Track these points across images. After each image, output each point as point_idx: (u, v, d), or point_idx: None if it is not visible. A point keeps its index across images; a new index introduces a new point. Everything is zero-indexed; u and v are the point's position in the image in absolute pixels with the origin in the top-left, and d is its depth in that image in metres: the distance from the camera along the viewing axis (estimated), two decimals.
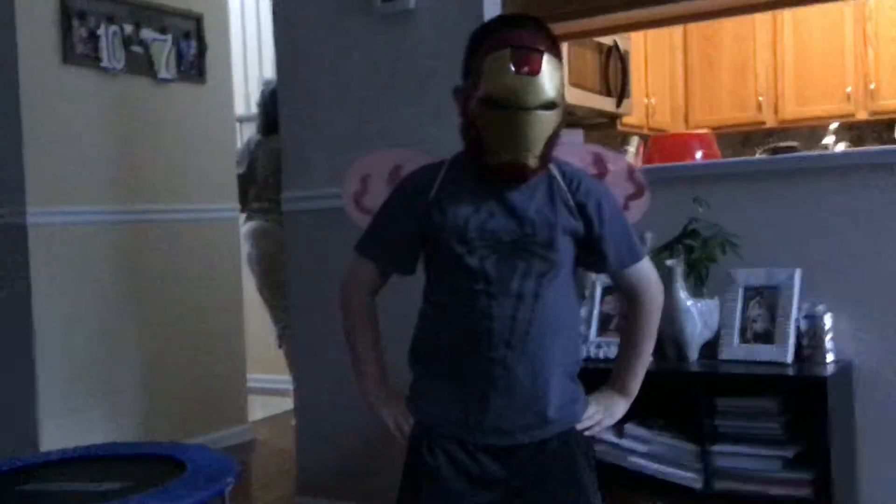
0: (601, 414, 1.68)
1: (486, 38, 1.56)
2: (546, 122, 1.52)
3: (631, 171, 1.86)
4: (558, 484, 1.61)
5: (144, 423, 3.84)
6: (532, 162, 1.54)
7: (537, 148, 1.53)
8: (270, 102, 4.06)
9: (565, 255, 1.59)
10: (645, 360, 1.74)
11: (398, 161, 1.79)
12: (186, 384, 4.02)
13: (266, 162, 4.30)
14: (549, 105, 1.52)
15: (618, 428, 2.42)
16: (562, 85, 1.57)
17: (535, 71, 1.50)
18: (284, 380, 4.44)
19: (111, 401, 3.74)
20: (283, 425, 4.39)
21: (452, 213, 1.57)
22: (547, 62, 1.51)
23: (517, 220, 1.56)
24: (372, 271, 1.69)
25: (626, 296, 1.74)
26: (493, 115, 1.52)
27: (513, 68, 1.49)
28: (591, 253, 1.64)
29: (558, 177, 1.62)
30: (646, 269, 1.70)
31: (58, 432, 3.47)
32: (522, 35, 1.53)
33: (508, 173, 1.55)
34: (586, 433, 1.66)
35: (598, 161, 1.85)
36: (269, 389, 5.00)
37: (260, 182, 4.35)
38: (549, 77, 1.51)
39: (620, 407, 1.72)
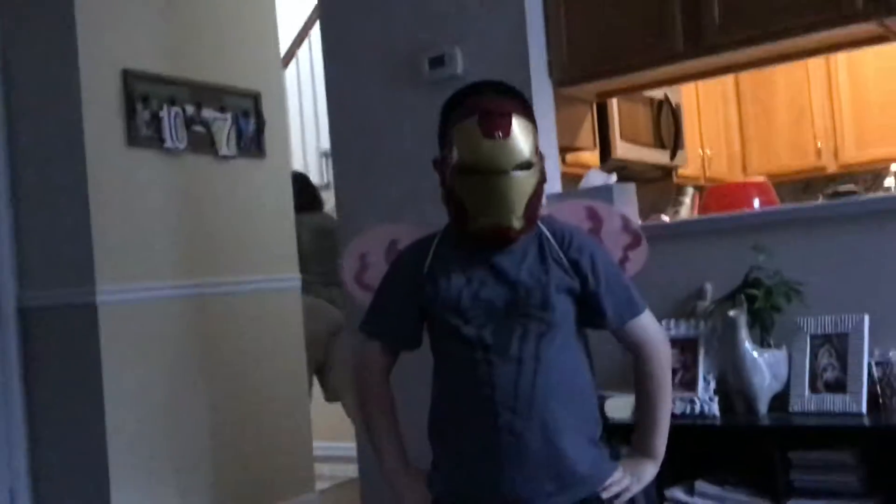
0: (628, 479, 1.64)
1: (455, 107, 1.58)
2: (523, 182, 1.53)
3: (626, 223, 1.85)
4: None
5: (213, 494, 3.86)
6: (516, 223, 1.54)
7: (519, 209, 1.53)
8: (296, 184, 4.49)
9: (563, 315, 1.57)
10: (665, 417, 1.71)
11: (392, 236, 1.84)
12: (253, 454, 4.04)
13: (307, 237, 4.45)
14: (524, 165, 1.53)
15: (688, 486, 2.36)
16: (536, 145, 1.58)
17: (506, 134, 1.51)
18: (350, 447, 4.44)
19: (180, 473, 3.78)
20: (351, 492, 4.37)
21: (445, 286, 1.58)
22: (517, 124, 1.53)
23: (509, 286, 1.56)
24: (379, 350, 1.70)
25: (631, 352, 1.70)
26: (470, 182, 1.54)
27: (482, 134, 1.51)
28: (589, 310, 1.62)
29: (548, 235, 1.61)
30: (648, 323, 1.68)
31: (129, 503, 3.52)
32: (490, 100, 1.55)
33: (492, 237, 1.56)
34: (615, 501, 1.61)
35: (592, 215, 1.83)
36: (335, 456, 4.99)
37: (303, 256, 4.47)
38: (521, 138, 1.53)
39: (649, 470, 1.68)
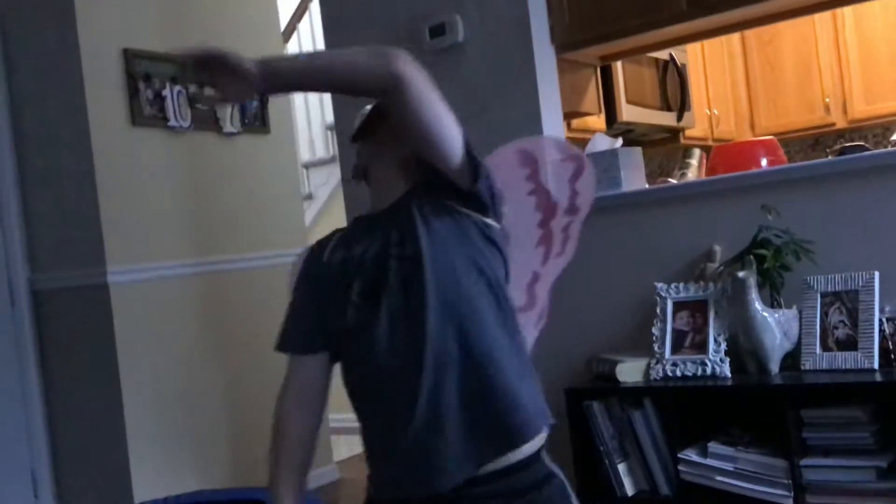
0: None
1: None
2: None
3: (562, 148, 1.76)
4: None
5: (232, 468, 3.90)
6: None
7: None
8: None
9: None
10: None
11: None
12: (270, 428, 4.06)
13: None
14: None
15: (701, 447, 2.37)
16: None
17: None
18: None
19: (199, 448, 3.82)
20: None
21: None
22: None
23: None
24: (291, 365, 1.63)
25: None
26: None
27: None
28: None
29: None
30: None
31: (149, 482, 3.55)
32: None
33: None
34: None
35: (524, 159, 1.79)
36: (352, 428, 5.03)
37: None
38: None
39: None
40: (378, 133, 1.58)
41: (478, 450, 1.43)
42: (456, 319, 1.44)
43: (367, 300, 1.48)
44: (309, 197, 5.66)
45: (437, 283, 1.44)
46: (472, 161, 1.50)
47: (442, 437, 1.42)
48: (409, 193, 1.55)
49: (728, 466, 2.31)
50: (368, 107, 1.61)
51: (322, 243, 1.62)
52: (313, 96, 5.87)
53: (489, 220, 1.54)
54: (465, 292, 1.46)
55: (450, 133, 1.46)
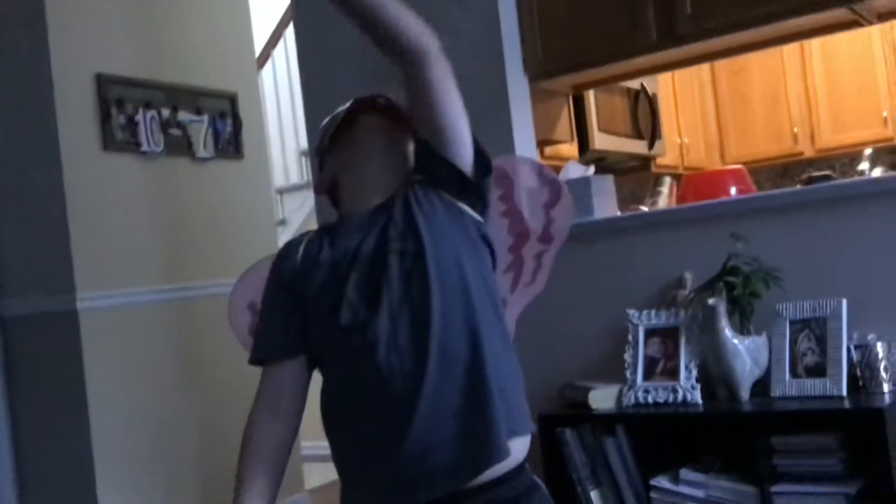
0: None
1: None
2: None
3: (540, 172, 1.77)
4: None
5: (203, 496, 3.85)
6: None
7: None
8: None
9: None
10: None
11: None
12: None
13: None
14: None
15: (673, 474, 2.38)
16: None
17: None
18: None
19: (170, 477, 3.77)
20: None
21: None
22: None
23: None
24: (265, 374, 1.59)
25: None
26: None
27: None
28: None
29: None
30: None
31: None
32: None
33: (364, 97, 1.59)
34: None
35: (499, 176, 1.77)
36: (324, 456, 4.99)
37: None
38: None
39: None
40: (357, 136, 1.55)
41: (472, 457, 1.37)
42: (462, 317, 1.41)
43: (365, 296, 1.42)
44: (282, 222, 5.65)
45: (441, 280, 1.40)
46: (481, 153, 1.51)
47: (440, 442, 1.36)
48: (402, 189, 1.51)
49: (699, 493, 2.32)
50: (335, 114, 1.60)
51: (290, 246, 1.57)
52: (287, 120, 5.88)
53: (483, 218, 1.53)
54: (469, 289, 1.43)
55: (462, 121, 1.48)
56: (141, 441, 3.68)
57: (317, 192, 1.68)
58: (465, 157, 1.49)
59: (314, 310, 1.48)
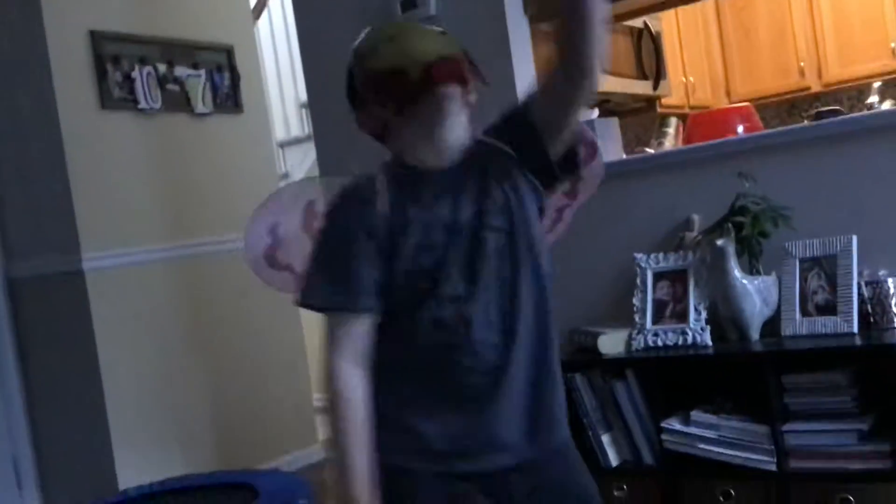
0: None
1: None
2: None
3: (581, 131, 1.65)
4: None
5: (218, 452, 3.89)
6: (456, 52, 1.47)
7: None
8: None
9: None
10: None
11: (309, 196, 1.59)
12: (254, 410, 4.06)
13: None
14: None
15: (683, 416, 2.38)
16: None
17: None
18: None
19: (183, 433, 3.80)
20: None
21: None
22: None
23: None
24: (351, 325, 1.43)
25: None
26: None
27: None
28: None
29: None
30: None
31: (134, 469, 3.54)
32: None
33: (445, 68, 1.41)
34: None
35: None
36: None
37: None
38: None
39: None
40: (429, 98, 1.42)
41: (541, 428, 1.45)
42: (536, 293, 1.44)
43: (464, 271, 1.41)
44: (285, 176, 5.60)
45: (524, 258, 1.44)
46: (576, 154, 1.50)
47: (514, 414, 1.43)
48: (476, 154, 1.47)
49: (711, 434, 2.32)
50: (376, 51, 1.47)
51: (363, 190, 1.45)
52: (285, 72, 5.80)
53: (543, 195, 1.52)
54: (540, 266, 1.45)
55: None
56: (153, 398, 3.71)
57: (361, 128, 1.56)
58: (560, 154, 1.48)
59: (406, 269, 1.41)
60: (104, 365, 3.54)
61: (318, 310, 1.43)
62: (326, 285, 1.42)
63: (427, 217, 1.42)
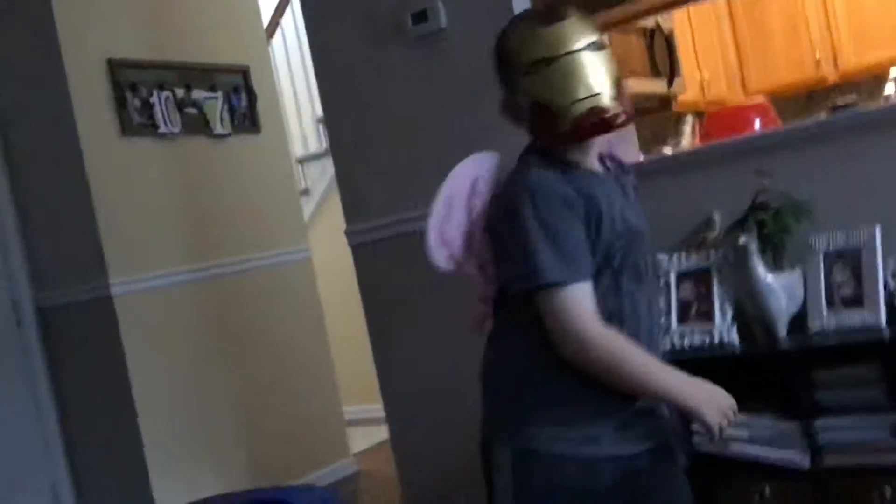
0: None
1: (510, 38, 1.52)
2: (598, 60, 1.46)
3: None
4: None
5: (250, 469, 3.92)
6: (610, 103, 1.45)
7: (605, 87, 1.45)
8: None
9: None
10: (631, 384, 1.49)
11: (474, 174, 1.59)
12: (286, 425, 4.09)
13: None
14: (595, 46, 1.47)
15: None
16: (597, 29, 1.52)
17: (563, 16, 1.47)
18: (380, 408, 4.48)
19: (216, 452, 3.83)
20: (387, 453, 4.42)
21: (607, 208, 1.52)
22: (571, 9, 1.49)
23: (637, 211, 1.63)
24: (589, 293, 1.44)
25: None
26: (543, 74, 1.44)
27: (539, 24, 1.47)
28: None
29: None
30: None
31: (169, 487, 3.58)
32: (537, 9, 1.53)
33: (592, 125, 1.43)
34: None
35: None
36: (367, 419, 5.05)
37: None
38: (580, 20, 1.48)
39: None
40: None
41: None
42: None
43: (639, 269, 1.54)
44: (305, 192, 5.65)
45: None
46: None
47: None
48: (614, 170, 1.62)
49: (743, 433, 2.30)
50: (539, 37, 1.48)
51: (546, 172, 1.48)
52: (301, 88, 5.84)
53: None
54: None
55: None
56: (186, 419, 3.74)
57: (511, 115, 1.56)
58: None
59: (607, 259, 1.49)
60: (136, 388, 3.58)
61: (552, 287, 1.41)
62: (553, 257, 1.41)
63: (613, 214, 1.49)
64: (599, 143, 1.55)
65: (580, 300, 1.42)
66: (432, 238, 1.54)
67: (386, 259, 3.15)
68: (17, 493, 3.69)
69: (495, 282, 1.56)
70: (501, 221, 1.50)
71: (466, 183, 1.58)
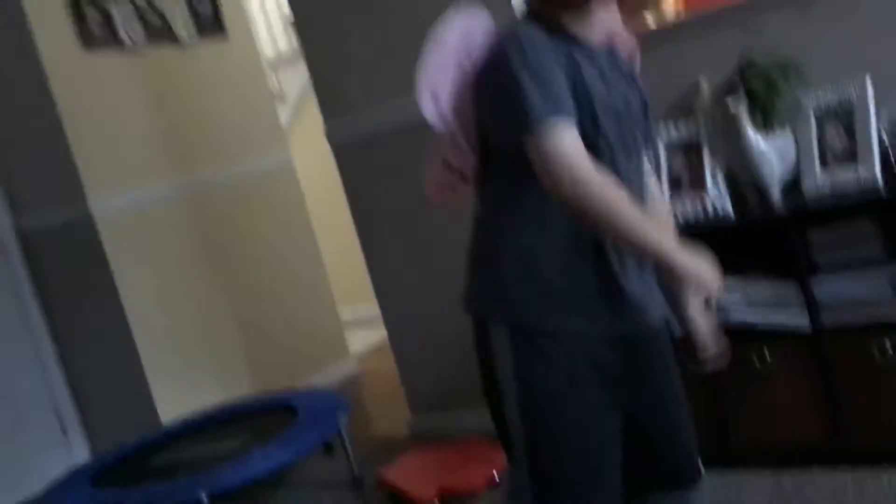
0: None
1: None
2: None
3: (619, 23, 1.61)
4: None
5: (252, 375, 3.94)
6: None
7: None
8: None
9: None
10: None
11: (469, 32, 1.48)
12: (283, 330, 4.09)
13: None
14: None
15: None
16: None
17: None
18: (375, 308, 4.48)
19: (216, 362, 3.84)
20: (387, 351, 4.44)
21: (589, 77, 1.43)
22: None
23: (634, 89, 1.53)
24: (575, 133, 1.37)
25: None
26: None
27: None
28: None
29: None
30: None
31: (171, 398, 3.60)
32: None
33: None
34: None
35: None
36: (363, 319, 5.05)
37: None
38: None
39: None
40: None
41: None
42: None
43: (629, 146, 1.49)
44: (279, 96, 5.51)
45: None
46: None
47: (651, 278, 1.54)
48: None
49: (739, 297, 2.30)
50: None
51: (540, 32, 1.42)
52: None
53: None
54: None
55: None
56: (182, 331, 3.73)
57: None
58: None
59: (598, 128, 1.42)
60: (128, 305, 3.56)
61: (539, 121, 1.35)
62: (541, 98, 1.36)
63: (610, 90, 1.44)
64: (603, 22, 1.46)
65: (573, 141, 1.36)
66: (424, 92, 1.46)
67: (367, 157, 3.09)
68: (23, 423, 3.70)
69: (476, 151, 1.50)
70: (490, 72, 1.44)
71: (460, 40, 1.48)
